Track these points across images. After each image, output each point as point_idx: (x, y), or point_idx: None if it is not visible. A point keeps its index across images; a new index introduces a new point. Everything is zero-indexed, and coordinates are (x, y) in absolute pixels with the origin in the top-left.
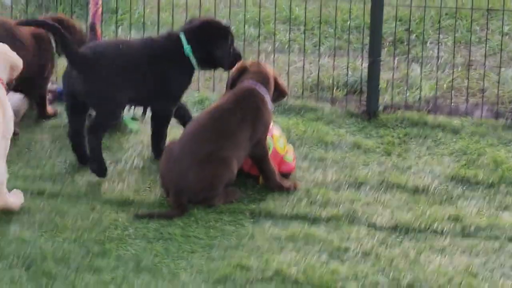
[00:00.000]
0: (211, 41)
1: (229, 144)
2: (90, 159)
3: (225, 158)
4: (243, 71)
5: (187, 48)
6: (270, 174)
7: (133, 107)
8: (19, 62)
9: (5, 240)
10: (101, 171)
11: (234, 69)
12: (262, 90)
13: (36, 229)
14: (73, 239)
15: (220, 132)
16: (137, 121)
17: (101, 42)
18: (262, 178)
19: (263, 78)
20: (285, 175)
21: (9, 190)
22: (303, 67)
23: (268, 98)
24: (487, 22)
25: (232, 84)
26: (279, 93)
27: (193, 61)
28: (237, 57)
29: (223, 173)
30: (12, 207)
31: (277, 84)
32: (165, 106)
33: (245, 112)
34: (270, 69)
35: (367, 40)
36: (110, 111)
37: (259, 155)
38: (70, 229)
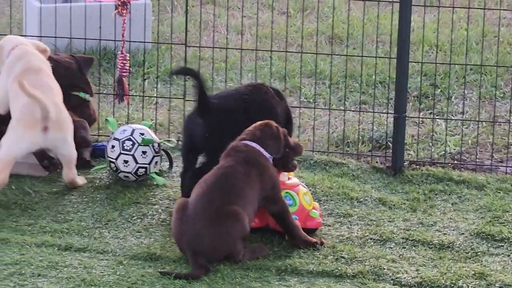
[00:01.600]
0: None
1: (238, 200)
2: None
3: (235, 214)
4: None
5: None
6: (294, 229)
7: (159, 162)
8: None
9: None
10: None
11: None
12: (253, 145)
13: (63, 284)
14: None
15: (228, 191)
16: (162, 176)
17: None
18: (287, 235)
19: (253, 135)
20: (311, 231)
21: (38, 245)
22: (329, 121)
23: (265, 153)
24: (511, 78)
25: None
26: (289, 151)
27: None
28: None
29: (236, 229)
30: (79, 182)
31: (286, 141)
32: None
33: (247, 170)
34: (272, 128)
35: (392, 95)
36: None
37: (279, 212)
38: (97, 284)
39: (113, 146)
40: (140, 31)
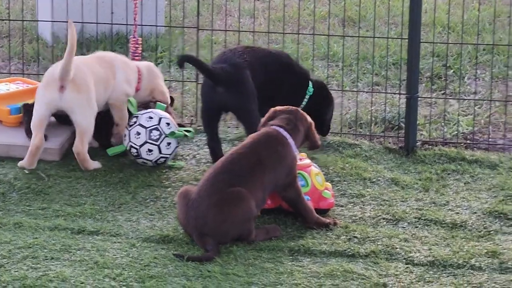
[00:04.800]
0: (324, 103)
1: (244, 183)
2: None
3: (239, 195)
4: (274, 115)
5: (310, 91)
6: (307, 213)
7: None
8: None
9: (46, 278)
10: None
11: (267, 114)
12: (284, 134)
13: (76, 267)
14: (114, 276)
15: (235, 175)
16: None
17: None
18: (301, 219)
19: (287, 123)
20: (324, 211)
21: (51, 229)
22: (342, 103)
23: (292, 142)
24: None
25: (262, 126)
26: (310, 144)
27: (303, 103)
28: (328, 129)
29: (240, 210)
30: (89, 163)
31: (309, 134)
32: None
33: (262, 156)
34: (304, 117)
35: (404, 76)
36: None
37: (292, 198)
38: (110, 266)
39: (138, 133)
40: (152, 15)
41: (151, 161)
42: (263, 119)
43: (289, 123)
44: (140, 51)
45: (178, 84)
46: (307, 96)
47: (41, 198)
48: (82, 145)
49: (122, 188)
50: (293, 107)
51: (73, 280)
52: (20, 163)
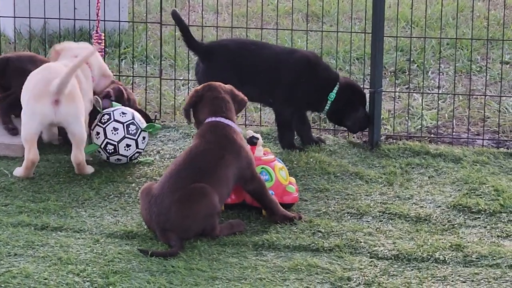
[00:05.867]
0: (346, 110)
1: (207, 179)
2: None
3: (202, 191)
4: (199, 99)
5: (333, 93)
6: (272, 206)
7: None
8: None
9: (9, 274)
10: None
11: (189, 99)
12: (228, 123)
13: (40, 263)
14: (77, 272)
15: (198, 171)
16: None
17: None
18: (266, 212)
19: (221, 109)
20: (288, 206)
21: (14, 225)
22: None
23: (235, 126)
24: (487, 52)
25: (192, 115)
26: (238, 104)
27: (327, 105)
28: (367, 122)
29: (203, 206)
30: (87, 170)
31: (234, 97)
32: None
33: (222, 149)
34: (223, 88)
35: (368, 71)
36: None
37: (256, 190)
38: (74, 262)
39: (115, 129)
40: (115, 11)
41: (127, 157)
42: (187, 103)
43: (221, 107)
44: (103, 47)
45: (141, 80)
46: (329, 102)
47: (4, 194)
48: (81, 154)
49: (86, 184)
50: (208, 84)
51: (36, 276)
52: (15, 173)
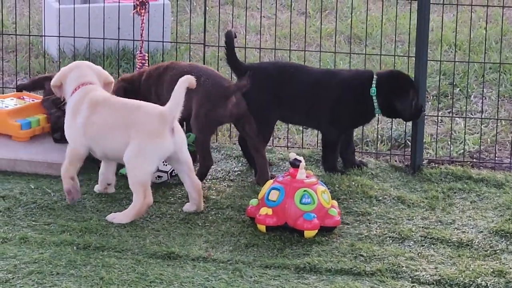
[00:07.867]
0: (394, 92)
1: None
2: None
3: None
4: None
5: (373, 89)
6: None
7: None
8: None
9: None
10: None
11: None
12: None
13: (82, 283)
14: None
15: None
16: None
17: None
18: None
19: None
20: (330, 229)
21: (57, 244)
22: None
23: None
24: None
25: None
26: None
27: (375, 103)
28: (419, 110)
29: None
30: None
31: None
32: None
33: None
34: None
35: None
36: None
37: None
38: (115, 283)
39: None
40: (159, 31)
41: (166, 172)
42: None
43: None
44: (146, 67)
45: None
46: (374, 99)
47: (47, 213)
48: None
49: (128, 204)
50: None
51: None
52: (117, 220)
